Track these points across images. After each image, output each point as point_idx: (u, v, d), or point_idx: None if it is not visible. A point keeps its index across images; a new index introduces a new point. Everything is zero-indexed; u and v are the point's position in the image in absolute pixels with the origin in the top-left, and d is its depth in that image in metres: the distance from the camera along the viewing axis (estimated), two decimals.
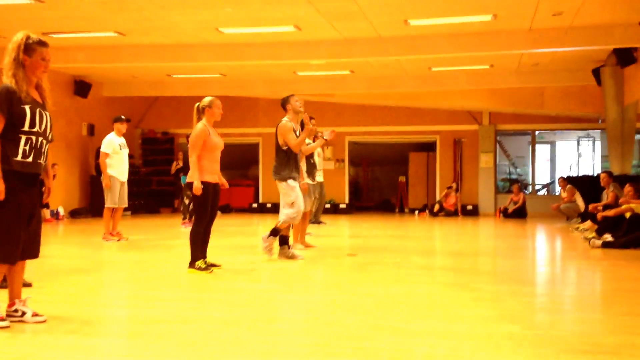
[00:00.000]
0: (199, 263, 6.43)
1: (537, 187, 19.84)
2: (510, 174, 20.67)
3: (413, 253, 8.67)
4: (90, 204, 16.87)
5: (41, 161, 4.17)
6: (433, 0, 9.77)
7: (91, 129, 17.21)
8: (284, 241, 7.54)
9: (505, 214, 16.66)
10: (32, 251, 4.25)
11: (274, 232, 7.50)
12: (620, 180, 11.91)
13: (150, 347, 3.71)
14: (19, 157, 4.04)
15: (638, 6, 9.82)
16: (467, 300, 5.27)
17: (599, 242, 9.21)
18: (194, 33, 11.89)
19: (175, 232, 12.08)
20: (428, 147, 19.48)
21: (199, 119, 6.64)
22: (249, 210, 19.15)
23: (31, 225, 4.19)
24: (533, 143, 19.07)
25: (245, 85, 17.25)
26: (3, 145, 4.02)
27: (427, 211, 18.09)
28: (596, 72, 14.33)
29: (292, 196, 7.38)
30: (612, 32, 11.28)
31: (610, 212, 10.14)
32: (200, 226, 6.49)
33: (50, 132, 4.25)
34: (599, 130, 18.43)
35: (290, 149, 7.45)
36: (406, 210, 19.38)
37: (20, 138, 4.05)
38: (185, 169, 16.06)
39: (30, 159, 4.09)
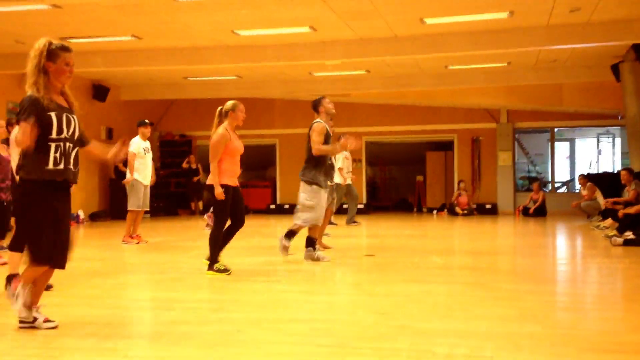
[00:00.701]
0: (218, 265, 6.45)
1: (556, 185, 19.67)
2: (529, 172, 20.51)
3: (432, 252, 8.63)
4: (110, 207, 17.02)
5: (71, 167, 4.15)
6: None
7: (110, 133, 17.35)
8: (310, 243, 7.52)
9: (526, 213, 16.52)
10: (60, 261, 4.17)
11: (290, 234, 7.53)
12: None
13: (170, 349, 3.73)
14: (51, 166, 4.03)
15: None
16: (486, 299, 5.24)
17: (620, 240, 9.11)
18: (210, 35, 11.94)
19: (194, 233, 12.13)
20: (445, 146, 19.38)
21: (220, 122, 6.65)
22: (267, 211, 19.18)
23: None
24: (552, 140, 18.90)
25: (261, 86, 17.29)
26: (33, 155, 4.02)
27: (445, 210, 18.00)
28: (615, 68, 14.16)
29: (313, 201, 7.36)
30: (630, 27, 11.14)
31: (632, 210, 10.03)
32: (220, 229, 6.51)
33: (79, 135, 4.23)
34: (619, 127, 18.23)
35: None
36: (424, 209, 19.30)
37: (49, 146, 4.04)
38: (199, 171, 16.04)
39: (61, 166, 4.07)
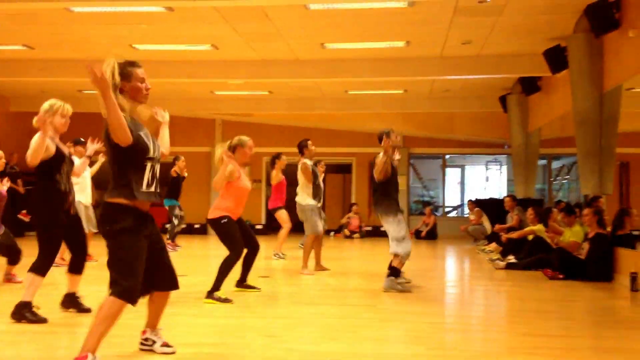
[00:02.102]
0: (219, 293, 6.16)
1: (447, 210, 20.44)
2: (422, 196, 21.20)
3: (326, 274, 8.72)
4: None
5: (158, 190, 3.92)
6: (349, 25, 9.98)
7: None
8: (394, 272, 7.17)
9: (418, 236, 17.02)
10: (172, 282, 4.01)
11: (395, 273, 7.08)
12: (524, 204, 12.43)
13: None
14: (144, 188, 3.78)
15: (542, 37, 10.38)
16: (375, 321, 5.36)
17: (502, 264, 9.58)
18: (107, 48, 11.60)
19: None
20: (344, 169, 19.72)
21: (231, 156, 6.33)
22: (163, 230, 18.69)
23: (162, 256, 3.95)
24: (444, 166, 19.67)
25: (162, 103, 16.57)
26: (130, 176, 3.74)
27: (342, 232, 18.26)
28: (503, 100, 15.00)
29: (402, 230, 7.08)
30: (517, 62, 11.86)
31: (514, 235, 10.57)
32: (236, 259, 6.21)
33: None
34: (506, 155, 19.24)
35: (384, 180, 7.22)
36: None
37: (145, 166, 3.80)
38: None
39: (152, 189, 3.85)
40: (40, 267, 5.08)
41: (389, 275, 7.09)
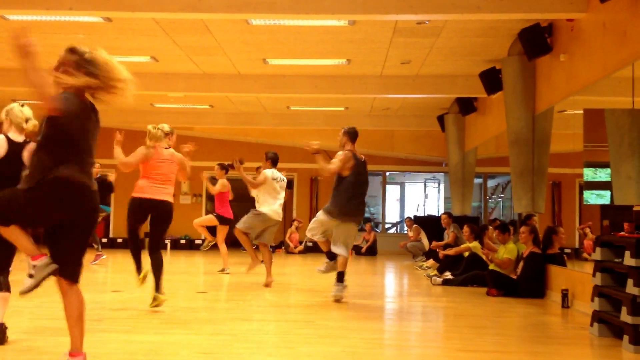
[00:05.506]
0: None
1: (387, 226, 20.66)
2: None
3: (265, 290, 8.67)
4: None
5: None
6: (291, 42, 10.03)
7: None
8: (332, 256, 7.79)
9: (358, 252, 17.15)
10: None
11: (339, 277, 7.64)
12: (460, 221, 12.68)
13: None
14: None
15: (478, 60, 10.68)
16: (312, 337, 5.34)
17: (439, 280, 9.73)
18: (43, 58, 11.19)
19: None
20: (285, 185, 19.68)
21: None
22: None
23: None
24: (384, 183, 19.91)
25: (99, 115, 16.57)
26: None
27: (283, 248, 18.21)
28: (440, 119, 15.33)
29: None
30: (454, 82, 12.15)
31: (451, 251, 10.77)
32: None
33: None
34: (443, 173, 19.63)
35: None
36: None
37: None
38: None
39: None
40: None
41: (337, 280, 7.65)
